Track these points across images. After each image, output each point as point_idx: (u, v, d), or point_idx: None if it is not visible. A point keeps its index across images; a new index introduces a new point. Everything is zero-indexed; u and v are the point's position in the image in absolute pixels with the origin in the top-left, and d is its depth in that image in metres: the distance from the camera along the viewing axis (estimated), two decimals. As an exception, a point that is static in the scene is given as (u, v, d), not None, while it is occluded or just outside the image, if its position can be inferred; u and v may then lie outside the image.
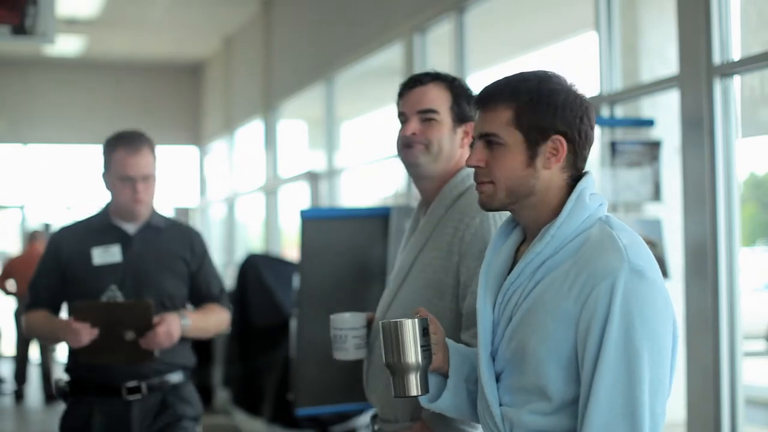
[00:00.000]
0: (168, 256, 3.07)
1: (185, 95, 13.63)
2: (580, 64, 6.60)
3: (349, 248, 3.23)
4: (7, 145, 13.02)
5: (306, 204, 7.74)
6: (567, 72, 1.74)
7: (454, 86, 2.26)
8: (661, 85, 4.05)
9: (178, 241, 3.12)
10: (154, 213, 3.09)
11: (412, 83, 2.27)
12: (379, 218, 3.27)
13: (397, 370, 1.72)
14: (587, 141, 1.69)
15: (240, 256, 9.34)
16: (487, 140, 1.71)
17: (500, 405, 1.72)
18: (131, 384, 2.92)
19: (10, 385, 9.38)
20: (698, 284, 3.50)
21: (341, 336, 2.23)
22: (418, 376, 1.72)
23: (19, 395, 9.01)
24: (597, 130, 1.76)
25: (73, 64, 12.75)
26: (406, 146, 2.24)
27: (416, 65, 5.95)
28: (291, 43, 9.22)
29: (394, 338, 1.71)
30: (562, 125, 1.66)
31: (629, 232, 1.65)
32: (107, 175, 3.02)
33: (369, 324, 2.30)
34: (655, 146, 3.97)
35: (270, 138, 9.95)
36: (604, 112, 4.26)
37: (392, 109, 2.35)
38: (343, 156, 8.45)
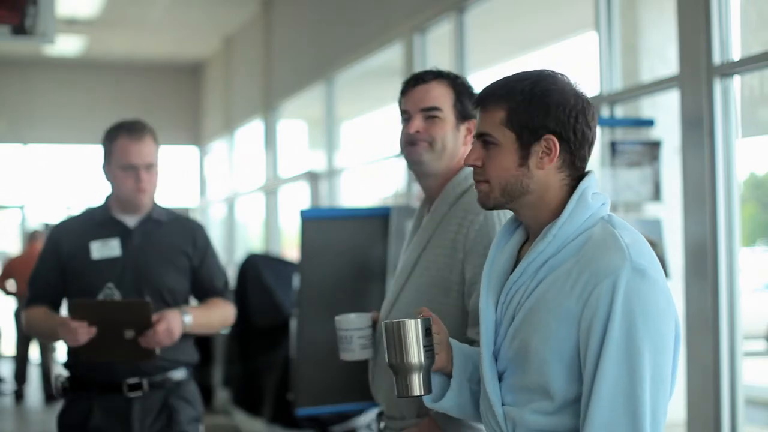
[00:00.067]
0: (169, 249, 3.01)
1: (185, 95, 13.63)
2: (580, 64, 6.60)
3: (349, 248, 3.23)
4: (7, 145, 13.02)
5: (306, 204, 7.74)
6: (568, 71, 1.74)
7: (457, 84, 2.26)
8: (661, 85, 4.05)
9: (179, 234, 3.05)
10: (155, 206, 3.03)
11: (415, 81, 2.27)
12: (379, 218, 3.27)
13: (400, 370, 1.72)
14: (584, 140, 1.69)
15: (240, 256, 9.34)
16: (483, 140, 1.72)
17: (503, 404, 1.72)
18: (132, 381, 2.88)
19: (10, 385, 9.38)
20: (698, 284, 3.50)
21: (347, 337, 2.23)
22: (421, 376, 1.72)
23: (19, 395, 9.01)
24: (597, 130, 1.75)
25: (73, 64, 12.75)
26: (409, 144, 2.24)
27: (416, 65, 5.95)
28: (291, 43, 9.22)
29: (396, 338, 1.71)
30: (554, 125, 1.66)
31: (631, 231, 1.65)
32: (108, 166, 2.96)
33: (374, 324, 2.29)
34: (655, 146, 3.97)
35: (270, 138, 9.95)
36: (604, 112, 4.26)
37: (392, 109, 2.35)
38: (343, 156, 8.45)
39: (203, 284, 3.08)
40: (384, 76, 7.83)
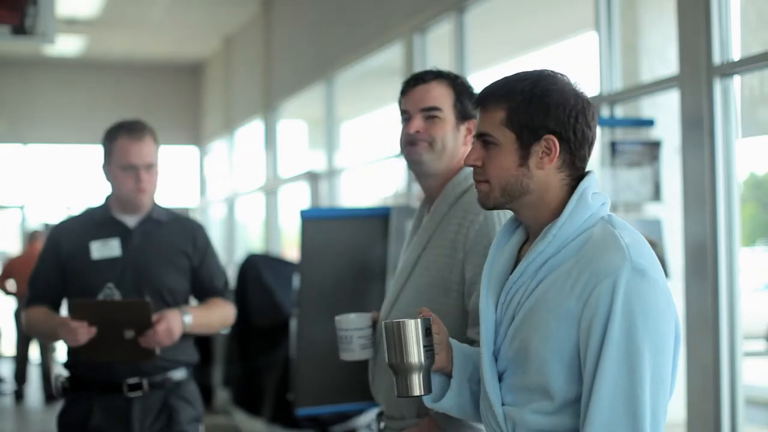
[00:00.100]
0: (169, 249, 3.00)
1: (185, 95, 13.63)
2: (580, 64, 6.60)
3: (349, 248, 3.23)
4: (7, 145, 13.02)
5: (306, 204, 7.74)
6: (568, 71, 1.74)
7: (457, 84, 2.26)
8: (661, 85, 4.05)
9: (179, 234, 3.04)
10: (155, 205, 3.02)
11: (415, 81, 2.27)
12: (379, 218, 3.27)
13: (400, 370, 1.72)
14: (584, 140, 1.69)
15: (240, 256, 9.34)
16: (483, 140, 1.72)
17: (503, 404, 1.72)
18: (132, 381, 2.87)
19: (10, 385, 9.38)
20: (698, 284, 3.50)
21: (347, 337, 2.23)
22: (421, 376, 1.73)
23: (19, 395, 9.01)
24: (597, 130, 1.76)
25: (73, 64, 12.75)
26: (409, 144, 2.24)
27: (416, 65, 5.95)
28: (291, 43, 9.22)
29: (396, 338, 1.71)
30: (554, 125, 1.66)
31: (631, 231, 1.65)
32: (108, 166, 2.95)
33: (374, 324, 2.29)
34: (655, 146, 3.97)
35: (270, 138, 9.95)
36: (604, 112, 4.26)
37: (392, 109, 2.35)
38: (343, 156, 8.45)
39: (203, 284, 3.07)
40: (384, 76, 7.83)
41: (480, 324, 1.77)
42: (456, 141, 2.25)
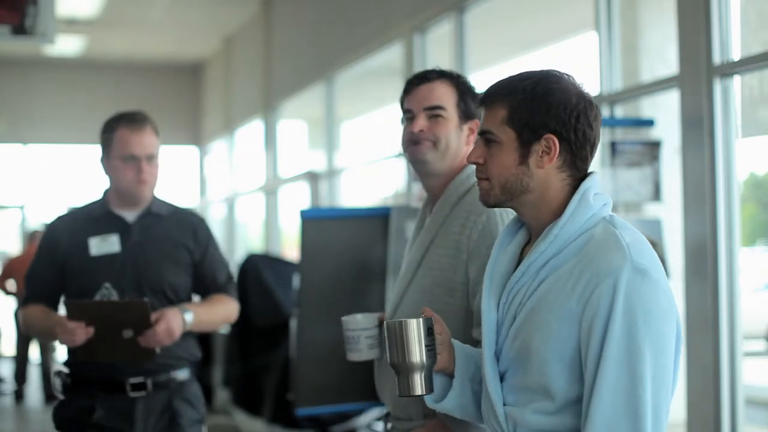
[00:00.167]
0: (170, 244, 2.92)
1: (185, 95, 13.63)
2: (580, 64, 6.60)
3: (349, 248, 3.23)
4: (7, 145, 13.02)
5: (306, 204, 7.74)
6: (570, 72, 1.74)
7: (460, 83, 2.26)
8: (661, 85, 4.05)
9: (180, 228, 2.96)
10: (155, 199, 2.94)
11: (419, 80, 2.27)
12: (379, 218, 3.27)
13: (402, 369, 1.73)
14: (585, 141, 1.69)
15: (240, 256, 9.34)
16: (486, 138, 1.72)
17: (504, 404, 1.72)
18: (136, 380, 2.81)
19: (10, 385, 9.39)
20: (698, 284, 3.50)
21: (354, 337, 2.22)
22: (423, 375, 1.73)
23: (19, 395, 9.01)
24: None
25: (73, 64, 12.76)
26: (413, 143, 2.24)
27: (416, 65, 5.95)
28: (291, 43, 9.22)
29: (398, 338, 1.72)
30: (554, 124, 1.66)
31: (633, 231, 1.65)
32: (107, 159, 2.87)
33: (381, 324, 2.29)
34: (655, 146, 3.97)
35: (270, 138, 9.95)
36: (604, 112, 4.26)
37: (392, 109, 2.35)
38: (343, 156, 8.45)
39: (205, 279, 2.99)
40: (384, 76, 7.83)
41: (482, 324, 1.77)
42: (459, 140, 2.24)
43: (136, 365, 2.81)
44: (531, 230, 1.77)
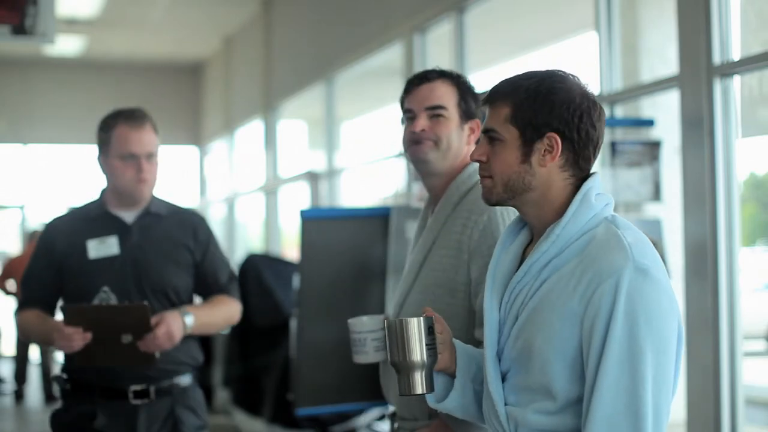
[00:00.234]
0: (170, 245, 2.84)
1: (185, 95, 13.63)
2: (580, 64, 6.60)
3: (349, 248, 3.23)
4: (7, 145, 13.02)
5: (306, 204, 7.74)
6: (574, 72, 1.74)
7: (461, 83, 2.27)
8: (661, 85, 4.05)
9: (180, 228, 2.88)
10: (154, 198, 2.87)
11: (419, 80, 2.27)
12: (379, 218, 3.27)
13: (403, 368, 1.73)
14: (588, 140, 1.69)
15: (240, 256, 9.34)
16: (489, 136, 1.73)
17: (505, 404, 1.72)
18: (138, 387, 2.74)
19: (10, 385, 9.38)
20: (698, 284, 3.50)
21: (360, 339, 2.22)
22: (424, 374, 1.74)
23: (19, 395, 9.01)
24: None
25: (73, 64, 12.76)
26: (414, 143, 2.24)
27: (416, 65, 5.95)
28: (291, 43, 9.22)
29: (399, 337, 1.73)
30: (557, 123, 1.67)
31: (635, 231, 1.66)
32: (105, 157, 2.79)
33: None
34: (655, 146, 3.97)
35: (270, 138, 9.96)
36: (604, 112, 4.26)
37: (392, 109, 2.35)
38: (343, 156, 8.45)
39: (206, 279, 2.92)
40: (384, 76, 7.83)
41: (484, 324, 1.77)
42: (460, 140, 2.25)
43: (136, 370, 2.73)
44: (533, 230, 1.77)
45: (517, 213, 1.80)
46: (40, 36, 3.78)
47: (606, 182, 3.87)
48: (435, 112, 2.23)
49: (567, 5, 6.77)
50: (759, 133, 3.79)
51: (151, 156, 2.78)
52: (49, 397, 8.60)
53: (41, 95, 12.62)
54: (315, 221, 3.24)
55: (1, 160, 13.16)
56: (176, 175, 13.53)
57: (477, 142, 2.25)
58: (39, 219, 12.16)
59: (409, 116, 2.26)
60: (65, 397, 2.84)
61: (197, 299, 3.01)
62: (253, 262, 6.25)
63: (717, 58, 3.48)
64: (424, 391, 1.75)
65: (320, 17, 8.26)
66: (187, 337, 2.78)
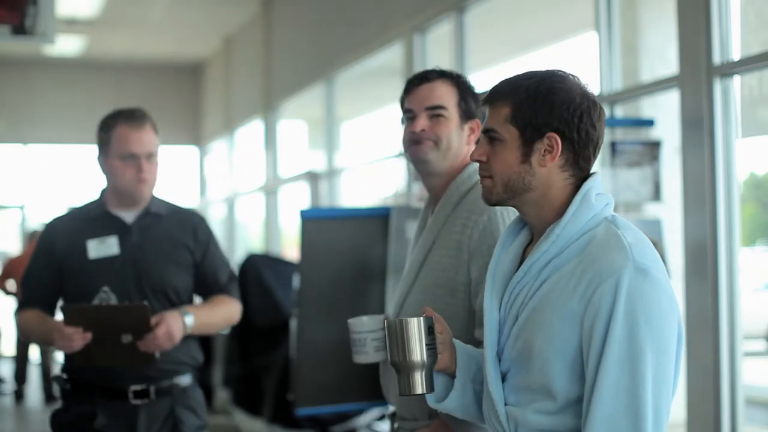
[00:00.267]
0: (170, 245, 2.84)
1: (185, 95, 13.63)
2: (580, 64, 6.60)
3: (349, 248, 3.23)
4: (7, 145, 13.02)
5: (306, 204, 7.74)
6: (574, 72, 1.74)
7: (461, 83, 2.27)
8: (661, 85, 4.05)
9: (180, 228, 2.87)
10: (153, 198, 2.86)
11: (419, 80, 2.27)
12: (379, 218, 3.27)
13: (403, 368, 1.74)
14: (588, 140, 1.69)
15: (240, 256, 9.35)
16: (489, 136, 1.73)
17: (505, 404, 1.72)
18: (138, 387, 2.73)
19: (10, 385, 9.38)
20: (698, 284, 3.50)
21: (360, 339, 2.22)
22: (424, 374, 1.74)
23: (19, 395, 9.01)
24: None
25: (73, 64, 12.76)
26: (414, 143, 2.24)
27: (416, 65, 5.95)
28: (291, 43, 9.22)
29: (399, 336, 1.73)
30: (557, 123, 1.67)
31: (635, 231, 1.66)
32: (105, 157, 2.78)
33: None
34: (655, 146, 3.97)
35: (270, 138, 9.96)
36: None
37: (392, 109, 2.35)
38: (343, 156, 8.45)
39: (207, 279, 2.91)
40: (384, 76, 7.83)
41: (484, 324, 1.77)
42: (460, 140, 2.25)
43: (136, 370, 2.73)
44: (533, 230, 1.77)
45: (517, 213, 1.80)
46: (40, 36, 3.78)
47: (606, 182, 3.87)
48: (435, 112, 2.23)
49: (567, 5, 6.77)
50: (759, 133, 3.79)
51: (151, 156, 2.77)
52: (49, 397, 8.60)
53: (41, 95, 12.63)
54: (315, 221, 3.24)
55: (1, 160, 13.16)
56: (176, 175, 13.54)
57: (477, 142, 2.26)
58: (39, 219, 12.16)
59: (409, 116, 2.26)
60: (65, 397, 2.83)
61: (197, 299, 3.00)
62: (253, 262, 6.25)
63: (717, 58, 3.48)
64: (424, 391, 1.75)
65: (320, 17, 8.26)
66: (187, 337, 2.77)
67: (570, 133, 1.67)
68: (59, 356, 8.88)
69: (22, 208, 12.87)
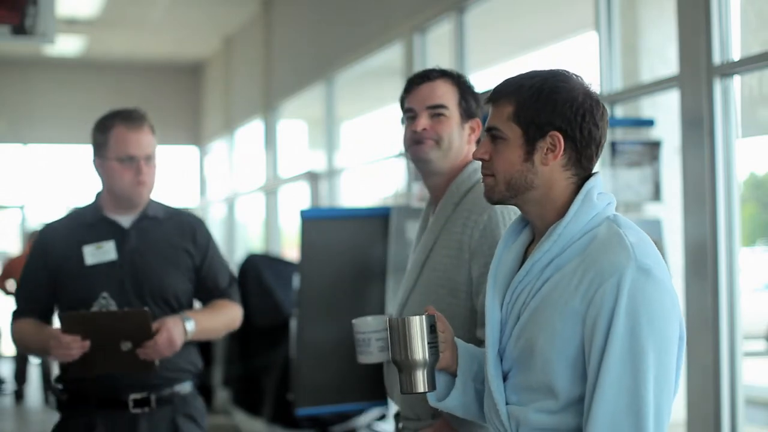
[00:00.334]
0: (169, 249, 2.76)
1: (185, 95, 13.64)
2: (580, 64, 6.60)
3: (349, 248, 3.24)
4: (7, 145, 13.03)
5: (306, 204, 7.74)
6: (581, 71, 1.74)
7: (461, 82, 2.27)
8: (661, 85, 4.05)
9: (178, 231, 2.80)
10: (150, 201, 2.78)
11: (420, 79, 2.27)
12: (379, 218, 3.28)
13: (405, 366, 1.74)
14: (591, 140, 1.69)
15: (240, 256, 9.35)
16: (492, 134, 1.73)
17: (507, 403, 1.72)
18: (138, 396, 2.65)
19: (10, 385, 9.38)
20: (698, 284, 3.50)
21: (364, 340, 2.22)
22: (425, 372, 1.74)
23: (19, 395, 9.01)
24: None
25: (73, 64, 12.76)
26: (416, 142, 2.24)
27: (416, 65, 5.95)
28: (291, 43, 9.23)
29: (401, 335, 1.73)
30: (560, 122, 1.67)
31: (637, 231, 1.66)
32: (101, 160, 2.70)
33: None
34: (655, 146, 3.97)
35: (270, 138, 9.96)
36: (605, 112, 4.26)
37: (392, 109, 2.35)
38: (343, 156, 8.45)
39: (207, 283, 2.84)
40: (384, 76, 7.83)
41: (486, 323, 1.77)
42: (461, 139, 2.25)
43: (135, 377, 2.64)
44: (535, 229, 1.77)
45: (518, 212, 1.80)
46: (40, 36, 3.78)
47: (606, 182, 3.87)
48: (436, 112, 2.23)
49: (567, 5, 6.77)
50: (759, 133, 3.80)
51: (149, 158, 2.70)
52: (48, 398, 8.61)
53: (41, 95, 12.63)
54: (315, 221, 3.24)
55: (1, 160, 13.16)
56: (176, 175, 13.54)
57: (477, 142, 2.26)
58: (39, 219, 12.17)
59: (410, 116, 2.26)
60: (62, 409, 2.75)
61: (196, 304, 2.93)
62: (253, 262, 6.25)
63: (717, 58, 3.48)
64: (426, 390, 1.75)
65: (320, 17, 8.26)
66: (187, 343, 2.70)
67: (573, 132, 1.67)
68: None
69: (22, 208, 12.87)
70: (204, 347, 3.18)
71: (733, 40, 3.51)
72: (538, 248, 1.69)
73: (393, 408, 2.55)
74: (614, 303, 1.57)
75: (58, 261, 2.72)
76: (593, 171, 1.73)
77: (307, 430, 5.47)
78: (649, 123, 4.18)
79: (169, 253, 2.77)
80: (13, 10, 3.74)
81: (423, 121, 2.22)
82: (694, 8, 3.54)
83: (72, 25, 10.47)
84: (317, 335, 3.19)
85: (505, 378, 1.74)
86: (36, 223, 12.05)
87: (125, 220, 2.76)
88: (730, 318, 3.45)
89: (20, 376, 9.04)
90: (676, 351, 1.61)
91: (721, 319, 3.43)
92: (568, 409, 1.64)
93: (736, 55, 3.51)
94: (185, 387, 2.76)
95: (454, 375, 1.84)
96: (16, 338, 2.81)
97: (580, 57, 6.62)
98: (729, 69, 3.46)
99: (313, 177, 7.69)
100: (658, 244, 3.79)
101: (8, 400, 9.15)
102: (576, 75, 1.72)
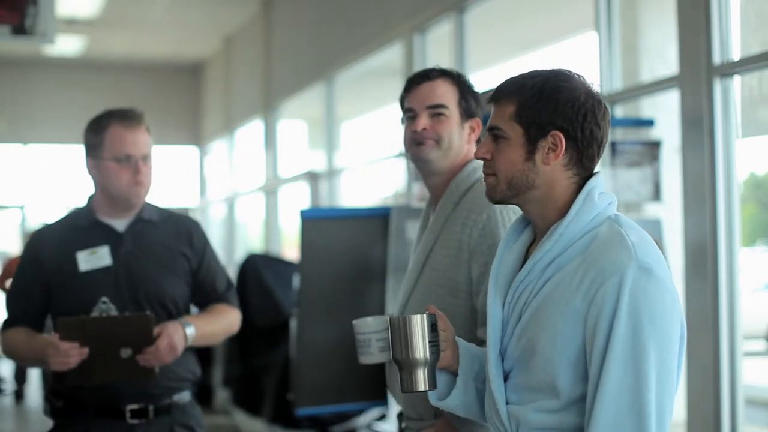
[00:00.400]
0: (165, 253, 2.67)
1: (185, 95, 13.64)
2: (580, 64, 6.60)
3: (349, 248, 3.24)
4: (7, 145, 13.03)
5: (306, 204, 7.74)
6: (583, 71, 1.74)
7: (461, 82, 2.27)
8: (661, 85, 4.05)
9: (174, 234, 2.70)
10: (146, 204, 2.68)
11: (420, 79, 2.27)
12: (379, 218, 3.28)
13: (406, 365, 1.74)
14: (592, 139, 1.69)
15: (240, 256, 9.35)
16: (494, 134, 1.73)
17: (507, 403, 1.72)
18: (136, 406, 2.56)
19: (10, 385, 9.38)
20: (698, 284, 3.50)
21: (365, 340, 2.21)
22: (426, 371, 1.74)
23: (19, 395, 9.01)
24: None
25: (73, 64, 12.76)
26: (416, 142, 2.24)
27: (416, 65, 5.95)
28: (291, 43, 9.23)
29: (402, 334, 1.73)
30: (562, 121, 1.67)
31: (638, 230, 1.66)
32: (96, 160, 2.60)
33: None
34: (655, 146, 3.97)
35: (270, 138, 9.96)
36: (605, 112, 4.26)
37: (392, 109, 2.35)
38: (343, 156, 8.45)
39: (204, 287, 2.75)
40: (384, 76, 7.83)
41: (487, 322, 1.77)
42: (461, 139, 2.25)
43: (135, 385, 2.55)
44: (536, 229, 1.77)
45: (518, 211, 1.80)
46: (40, 36, 3.78)
47: (606, 182, 3.84)
48: (436, 111, 2.23)
49: (567, 5, 6.77)
50: (759, 133, 3.80)
51: (146, 158, 2.61)
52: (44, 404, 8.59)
53: (41, 95, 12.63)
54: (315, 221, 3.24)
55: (1, 160, 13.16)
56: (176, 176, 13.54)
57: (477, 142, 2.26)
58: (39, 219, 12.17)
59: (410, 115, 2.26)
60: (56, 416, 2.65)
61: (193, 309, 2.85)
62: (253, 262, 6.25)
63: (717, 58, 3.48)
64: (427, 388, 1.75)
65: (320, 17, 8.26)
66: (186, 350, 2.60)
67: (574, 131, 1.68)
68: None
69: (22, 208, 12.88)
70: (203, 347, 3.16)
71: (733, 40, 3.51)
72: (540, 248, 1.69)
73: (393, 408, 2.55)
74: (616, 302, 1.57)
75: (51, 268, 2.62)
76: (594, 171, 1.74)
77: (307, 430, 5.47)
78: (649, 123, 4.18)
79: (166, 257, 2.69)
80: (13, 10, 3.74)
81: (423, 121, 2.22)
82: (694, 8, 3.54)
83: (72, 25, 10.47)
84: (317, 335, 3.19)
85: (506, 378, 1.75)
86: (36, 223, 12.05)
87: (120, 224, 2.67)
88: (730, 318, 3.45)
89: (20, 376, 9.03)
90: (678, 350, 1.61)
91: (721, 319, 3.43)
92: (570, 408, 1.64)
93: (736, 55, 3.51)
94: (184, 396, 2.69)
95: (455, 374, 1.84)
96: (8, 348, 2.69)
97: (580, 57, 6.62)
98: (729, 69, 3.47)
99: (313, 177, 7.69)
100: (658, 244, 3.77)
101: (8, 400, 9.15)
102: (578, 75, 1.72)
